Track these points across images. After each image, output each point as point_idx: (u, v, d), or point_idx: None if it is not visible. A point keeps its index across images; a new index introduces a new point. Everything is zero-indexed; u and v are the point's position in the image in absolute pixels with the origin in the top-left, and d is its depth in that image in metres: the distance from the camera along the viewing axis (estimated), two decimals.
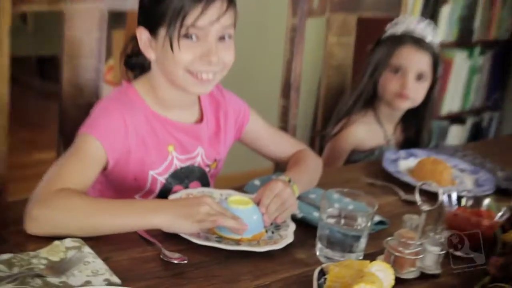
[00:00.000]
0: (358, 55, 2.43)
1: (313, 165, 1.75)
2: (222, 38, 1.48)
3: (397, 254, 1.35)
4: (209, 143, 1.67)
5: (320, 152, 2.35)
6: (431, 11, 3.48)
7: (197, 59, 1.47)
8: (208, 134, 1.67)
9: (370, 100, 2.28)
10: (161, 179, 1.59)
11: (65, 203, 1.31)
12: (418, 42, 2.20)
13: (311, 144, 2.47)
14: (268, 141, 1.81)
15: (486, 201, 1.58)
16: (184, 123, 1.61)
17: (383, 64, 2.22)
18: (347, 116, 2.27)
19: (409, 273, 1.36)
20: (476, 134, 4.17)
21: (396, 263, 1.35)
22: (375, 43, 2.29)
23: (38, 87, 4.84)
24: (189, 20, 1.43)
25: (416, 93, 2.21)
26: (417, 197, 1.42)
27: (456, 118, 4.10)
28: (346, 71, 2.44)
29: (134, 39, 1.56)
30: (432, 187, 1.41)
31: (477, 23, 3.85)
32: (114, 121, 1.49)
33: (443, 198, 1.48)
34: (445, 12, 3.66)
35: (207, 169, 1.69)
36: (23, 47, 4.67)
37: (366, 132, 2.27)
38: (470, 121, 4.16)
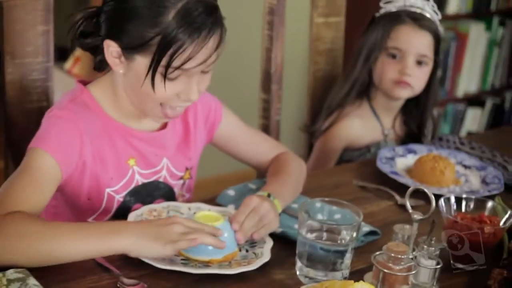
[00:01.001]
0: (350, 38, 2.44)
1: (296, 172, 1.77)
2: (205, 72, 1.52)
3: (386, 271, 1.37)
4: (177, 151, 1.69)
5: (308, 151, 2.37)
6: None
7: (174, 96, 1.51)
8: (175, 140, 1.68)
9: (365, 89, 2.29)
10: (118, 198, 1.61)
11: (16, 228, 1.33)
12: (417, 20, 2.20)
13: (298, 143, 2.47)
14: (244, 144, 1.83)
15: (490, 204, 1.61)
16: (146, 132, 1.63)
17: (378, 47, 2.23)
18: (339, 109, 2.28)
19: None
20: (497, 117, 4.20)
21: (385, 281, 1.38)
22: (369, 23, 2.29)
23: None
24: (177, 62, 1.44)
25: (417, 80, 2.22)
26: (408, 204, 1.44)
27: (474, 100, 4.13)
28: (337, 56, 2.44)
29: (87, 18, 1.55)
30: (427, 190, 1.43)
31: None
32: (68, 132, 1.51)
33: (438, 204, 1.51)
34: None
35: (179, 182, 1.71)
36: None
37: (360, 126, 2.28)
38: (489, 103, 4.19)
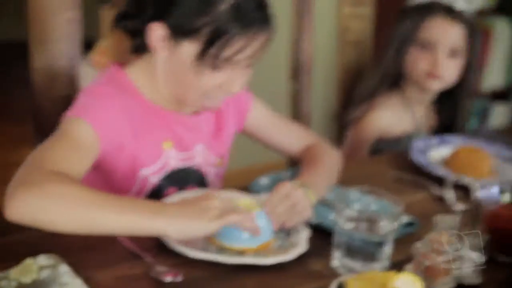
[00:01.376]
0: (378, 28, 2.42)
1: (330, 162, 1.74)
2: (248, 65, 1.52)
3: (428, 262, 1.33)
4: (212, 137, 1.68)
5: (338, 141, 2.36)
6: None
7: (216, 87, 1.51)
8: (209, 127, 1.68)
9: (396, 80, 2.27)
10: (152, 180, 1.59)
11: (61, 189, 1.26)
12: (450, 12, 2.18)
13: (330, 133, 2.46)
14: (275, 132, 1.82)
15: None
16: (183, 115, 1.63)
17: (409, 38, 2.21)
18: (370, 99, 2.27)
19: (444, 285, 1.35)
20: None
21: (427, 273, 1.34)
22: (399, 13, 2.27)
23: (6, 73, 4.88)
24: (226, 53, 1.44)
25: (449, 72, 2.20)
26: (449, 196, 1.40)
27: (500, 95, 4.09)
28: (365, 47, 2.44)
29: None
30: (468, 181, 1.39)
31: None
32: (109, 108, 1.48)
33: (478, 195, 1.46)
34: None
35: (213, 170, 1.69)
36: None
37: (392, 117, 2.26)
38: None
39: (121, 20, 1.55)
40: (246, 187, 1.68)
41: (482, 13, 3.83)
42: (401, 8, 2.27)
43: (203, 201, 1.34)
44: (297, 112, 2.20)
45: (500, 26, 3.94)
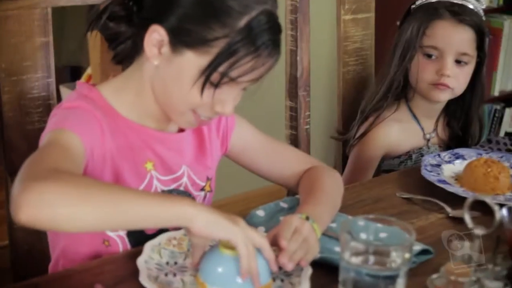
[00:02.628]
0: (381, 35, 2.32)
1: (332, 188, 1.63)
2: (245, 88, 1.46)
3: None
4: (195, 158, 1.59)
5: (343, 162, 2.26)
6: None
7: (209, 105, 1.43)
8: (191, 147, 1.59)
9: (402, 90, 2.17)
10: None
11: (75, 180, 1.17)
12: (457, 14, 2.06)
13: (330, 153, 2.36)
14: (264, 155, 1.71)
15: None
16: (165, 133, 1.54)
17: (413, 45, 2.10)
18: (375, 113, 2.16)
19: None
20: None
21: None
22: (404, 15, 2.17)
23: None
24: (236, 72, 1.37)
25: (457, 81, 2.08)
26: (468, 219, 1.27)
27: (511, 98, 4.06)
28: (367, 56, 2.34)
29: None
30: (489, 200, 1.26)
31: None
32: (88, 119, 1.40)
33: (498, 216, 1.32)
34: None
35: (201, 194, 1.60)
36: None
37: (399, 131, 2.16)
38: None
39: (105, 20, 1.45)
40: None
41: (489, 12, 3.83)
42: (407, 8, 2.16)
43: (232, 217, 1.24)
44: (294, 132, 2.10)
45: (509, 25, 3.90)
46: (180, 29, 1.37)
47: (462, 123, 2.22)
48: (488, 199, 1.27)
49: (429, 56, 2.08)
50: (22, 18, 1.63)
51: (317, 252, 1.39)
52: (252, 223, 1.55)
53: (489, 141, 2.12)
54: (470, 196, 1.33)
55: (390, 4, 2.42)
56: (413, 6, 2.13)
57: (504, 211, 1.40)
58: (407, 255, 1.25)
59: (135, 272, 1.30)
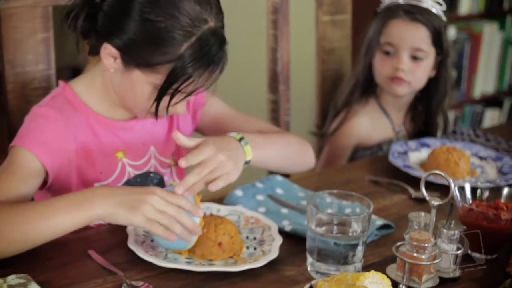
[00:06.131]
0: (357, 36, 2.40)
1: (290, 138, 1.70)
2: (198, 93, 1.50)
3: (412, 261, 1.33)
4: (166, 135, 1.66)
5: (319, 155, 2.32)
6: None
7: (164, 108, 1.47)
8: (161, 125, 1.65)
9: (371, 86, 2.25)
10: None
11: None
12: (410, 13, 2.13)
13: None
14: (234, 124, 1.73)
15: (506, 191, 1.55)
16: (131, 121, 1.60)
17: (374, 43, 2.18)
18: (346, 108, 2.25)
19: (429, 281, 1.35)
20: None
21: (412, 271, 1.34)
22: (372, 18, 2.24)
23: None
24: (187, 88, 1.42)
25: (413, 75, 2.15)
26: (424, 191, 1.39)
27: (491, 101, 4.08)
28: (343, 55, 2.41)
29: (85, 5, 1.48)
30: (442, 178, 1.38)
31: None
32: (49, 129, 1.49)
33: (455, 188, 1.45)
34: None
35: (167, 170, 1.67)
36: None
37: (369, 124, 2.24)
38: (507, 103, 4.15)
39: (71, 18, 1.49)
40: (222, 199, 1.66)
41: (470, 18, 3.84)
42: (374, 11, 2.25)
43: (141, 194, 1.34)
44: (275, 124, 2.17)
45: (489, 30, 3.94)
46: (128, 51, 1.43)
47: (423, 119, 2.29)
48: (443, 173, 1.39)
49: (387, 53, 2.16)
50: (25, 15, 1.72)
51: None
52: (231, 202, 1.64)
53: (454, 132, 2.20)
54: (425, 174, 1.44)
55: (365, 6, 2.48)
56: (377, 9, 2.23)
57: (456, 190, 1.51)
58: (365, 226, 1.37)
59: (126, 239, 1.42)
